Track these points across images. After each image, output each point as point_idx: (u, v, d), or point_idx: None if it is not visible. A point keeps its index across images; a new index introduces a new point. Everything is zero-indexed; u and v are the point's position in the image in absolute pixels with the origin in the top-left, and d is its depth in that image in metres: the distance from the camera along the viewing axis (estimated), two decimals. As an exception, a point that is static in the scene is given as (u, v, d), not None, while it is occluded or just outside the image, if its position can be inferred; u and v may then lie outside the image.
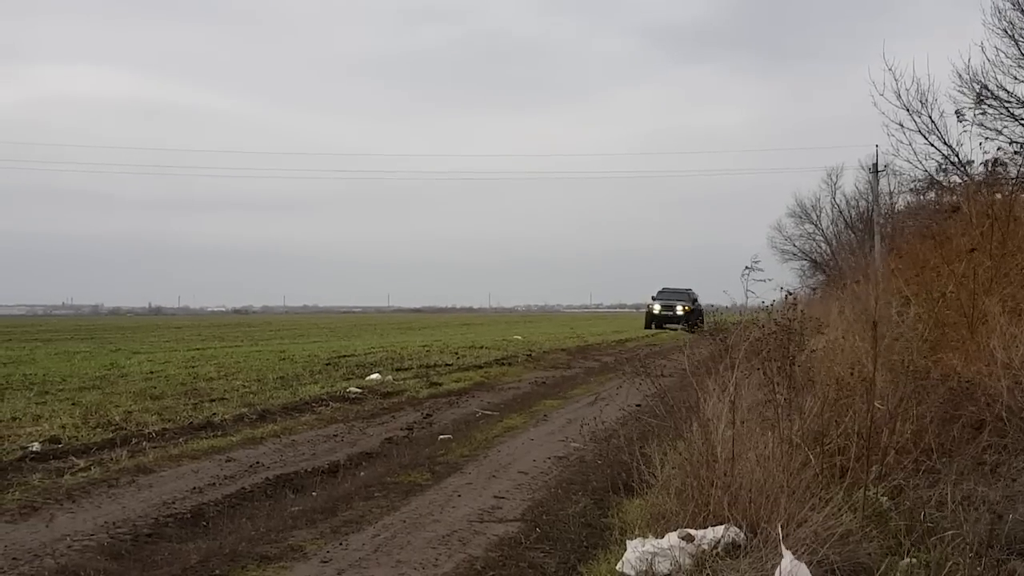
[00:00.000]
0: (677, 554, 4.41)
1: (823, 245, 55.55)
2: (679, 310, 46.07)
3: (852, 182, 55.71)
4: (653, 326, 45.35)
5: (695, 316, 39.01)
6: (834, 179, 52.80)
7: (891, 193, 33.28)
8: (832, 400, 6.24)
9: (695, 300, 46.56)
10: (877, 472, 5.29)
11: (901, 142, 16.51)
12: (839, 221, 53.82)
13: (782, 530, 4.27)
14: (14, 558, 5.23)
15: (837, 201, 53.54)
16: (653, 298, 48.63)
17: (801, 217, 55.89)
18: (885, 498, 5.17)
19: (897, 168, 23.50)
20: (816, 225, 55.91)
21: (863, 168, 44.50)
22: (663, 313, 46.77)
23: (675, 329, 40.77)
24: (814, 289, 39.76)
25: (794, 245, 56.86)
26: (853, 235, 48.92)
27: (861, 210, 48.35)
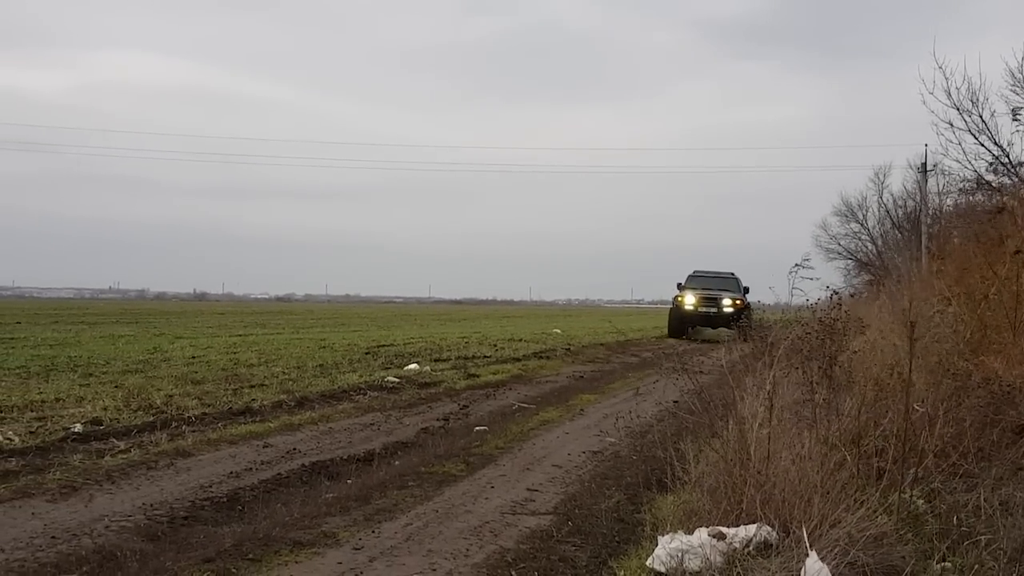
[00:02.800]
0: (708, 551, 4.39)
1: (869, 245, 54.91)
2: (726, 305, 29.80)
3: (900, 181, 55.04)
4: (688, 330, 28.57)
5: (745, 313, 22.56)
6: (881, 178, 52.11)
7: (939, 193, 32.86)
8: (871, 401, 6.18)
9: (746, 290, 31.20)
10: (914, 475, 5.22)
11: (950, 141, 16.29)
12: (885, 221, 53.16)
13: (815, 531, 4.24)
14: (53, 537, 5.32)
15: (884, 200, 52.86)
16: (682, 287, 31.89)
17: (847, 216, 55.24)
18: (921, 501, 5.12)
19: (946, 168, 23.19)
20: (862, 224, 55.24)
21: (911, 167, 43.89)
22: (700, 311, 30.41)
23: (717, 337, 26.08)
24: (858, 289, 39.26)
25: (839, 244, 56.22)
26: (900, 235, 48.30)
27: (908, 210, 47.71)
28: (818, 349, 5.99)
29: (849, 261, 55.81)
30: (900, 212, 50.30)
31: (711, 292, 31.20)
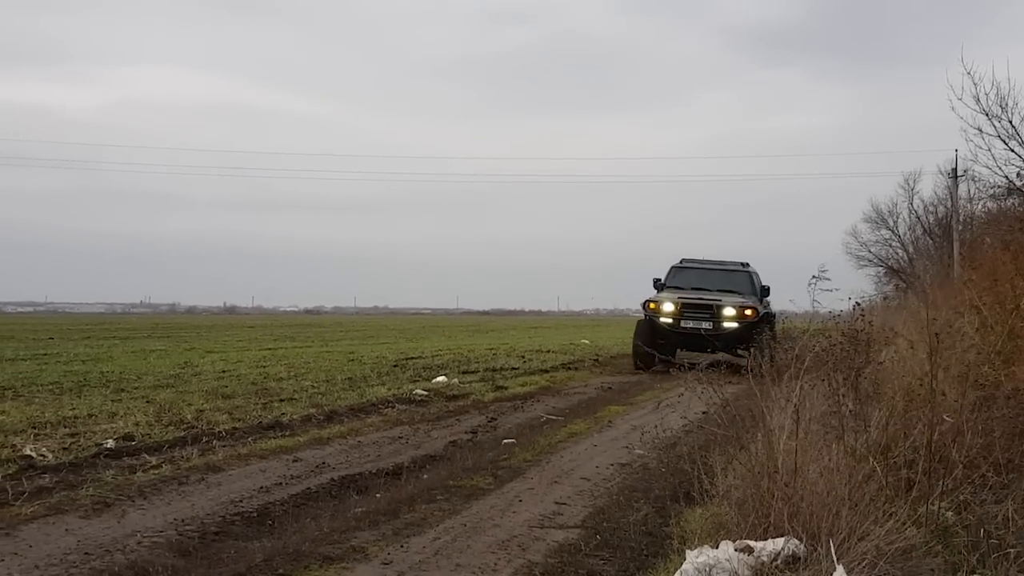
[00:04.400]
0: (736, 565, 4.39)
1: (900, 251, 54.56)
2: (728, 316, 19.74)
3: (931, 187, 54.51)
4: (669, 356, 19.64)
5: (761, 329, 16.75)
6: (912, 184, 51.79)
7: (971, 199, 32.62)
8: (899, 412, 6.15)
9: (766, 292, 20.92)
10: (943, 487, 5.19)
11: (980, 147, 16.17)
12: (916, 227, 52.82)
13: (843, 543, 4.23)
14: (86, 552, 5.39)
15: (915, 207, 52.54)
16: (660, 285, 21.21)
17: (877, 223, 54.93)
18: (950, 513, 5.09)
19: (976, 174, 23.04)
20: (893, 231, 54.91)
21: (941, 173, 43.62)
22: (684, 326, 19.83)
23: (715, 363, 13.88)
24: (889, 297, 38.96)
25: (869, 251, 55.89)
26: (931, 241, 47.95)
27: (939, 216, 47.36)
28: (843, 361, 5.97)
29: (880, 268, 55.49)
30: (931, 218, 49.97)
31: (704, 295, 20.12)
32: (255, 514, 6.41)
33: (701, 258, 22.24)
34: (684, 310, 19.94)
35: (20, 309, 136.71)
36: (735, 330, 19.23)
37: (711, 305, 19.89)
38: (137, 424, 9.88)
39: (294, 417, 10.79)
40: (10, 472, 7.39)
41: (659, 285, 21.26)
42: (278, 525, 6.18)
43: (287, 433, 9.84)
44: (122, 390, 13.60)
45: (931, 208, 49.79)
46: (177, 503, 6.71)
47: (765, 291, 21.01)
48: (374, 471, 7.98)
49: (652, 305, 20.33)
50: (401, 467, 8.20)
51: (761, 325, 18.08)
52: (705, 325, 19.39)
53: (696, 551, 4.54)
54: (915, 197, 52.22)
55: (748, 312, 19.70)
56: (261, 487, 7.28)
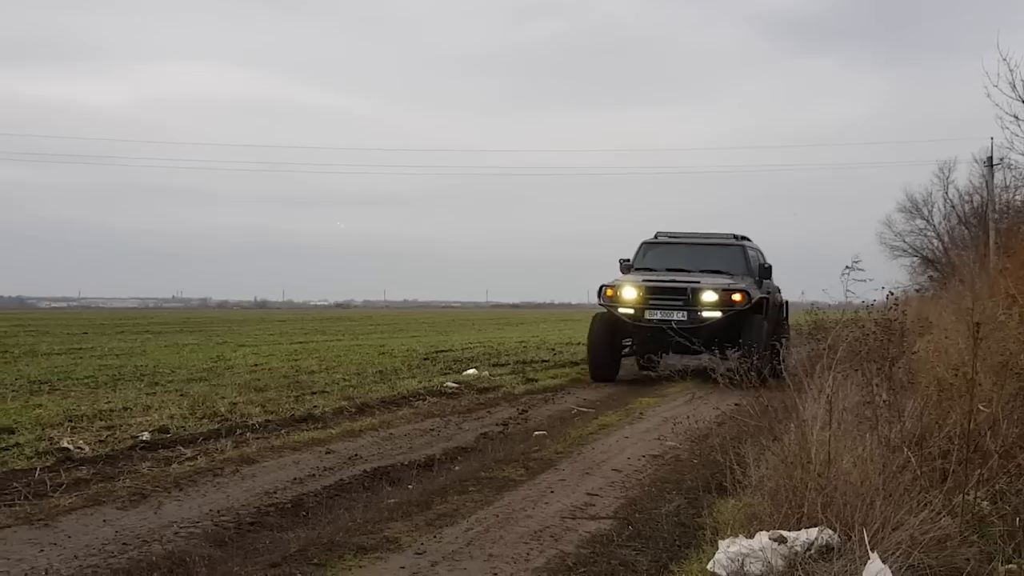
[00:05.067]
0: (769, 555, 4.38)
1: (935, 241, 54.06)
2: (709, 303, 15.12)
3: (966, 176, 54.02)
4: (637, 360, 17.29)
5: (756, 321, 15.09)
6: (946, 173, 51.32)
7: (1006, 188, 32.25)
8: (934, 402, 6.10)
9: (766, 273, 16.59)
10: (978, 476, 5.15)
11: (1016, 135, 15.91)
12: (951, 216, 52.33)
13: (877, 533, 4.21)
14: (124, 543, 5.46)
15: (950, 196, 52.07)
16: (630, 268, 16.80)
17: (912, 212, 54.49)
18: (986, 503, 5.05)
19: (1012, 162, 22.75)
20: (928, 220, 54.41)
21: (976, 162, 43.17)
22: (651, 318, 15.21)
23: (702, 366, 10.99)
24: (924, 287, 38.60)
25: (904, 241, 55.47)
26: (967, 231, 47.46)
27: (975, 205, 46.88)
28: (877, 351, 5.93)
29: (914, 258, 55.02)
30: (967, 207, 49.52)
31: (679, 278, 15.62)
32: (289, 505, 6.46)
33: (681, 231, 17.55)
34: (650, 296, 15.19)
35: (54, 304, 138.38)
36: (718, 322, 14.74)
37: (685, 289, 15.03)
38: (171, 417, 9.97)
39: (326, 410, 10.86)
40: (48, 464, 7.49)
41: (626, 266, 16.69)
42: (312, 516, 6.23)
43: (319, 425, 9.91)
44: (156, 383, 13.74)
45: (966, 197, 49.40)
46: (212, 494, 6.77)
47: (765, 271, 16.37)
48: (406, 463, 8.01)
49: (609, 292, 15.58)
50: (433, 459, 8.23)
51: (756, 315, 15.11)
52: (678, 316, 14.85)
53: (729, 541, 4.54)
54: (950, 186, 51.82)
55: (736, 297, 15.00)
56: (295, 478, 7.33)
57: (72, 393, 12.39)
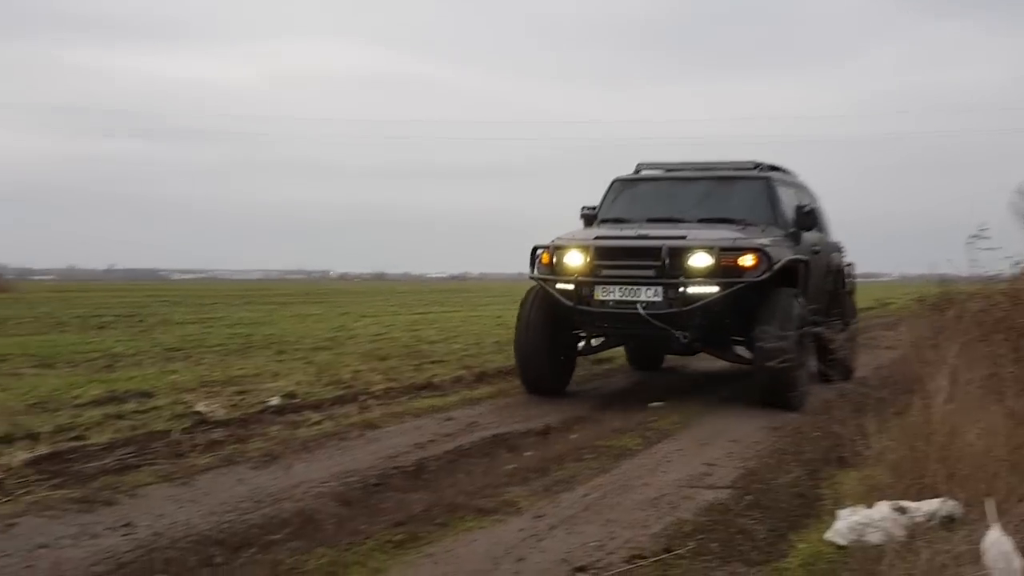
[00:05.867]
0: (889, 525, 4.35)
1: (1070, 211, 51.60)
2: (697, 277, 9.16)
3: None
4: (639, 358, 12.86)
5: (781, 298, 9.31)
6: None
7: None
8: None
9: (805, 221, 10.43)
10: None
11: None
12: (1092, 184, 49.85)
13: (1001, 505, 4.14)
14: (257, 500, 5.73)
15: (1088, 163, 49.48)
16: (593, 219, 11.09)
17: (1047, 181, 52.06)
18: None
19: None
20: (1063, 189, 51.91)
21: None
22: (604, 299, 9.46)
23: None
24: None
25: (1037, 211, 53.03)
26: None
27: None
28: (1004, 321, 5.77)
29: (1048, 229, 52.63)
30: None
31: (651, 232, 9.99)
32: (412, 468, 6.66)
33: (672, 162, 11.72)
34: (602, 264, 9.66)
35: (184, 276, 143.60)
36: (715, 301, 9.22)
37: (657, 249, 9.37)
38: (298, 383, 10.33)
39: (445, 378, 11.10)
40: (185, 427, 7.88)
41: (588, 215, 11.22)
42: (433, 479, 6.41)
43: (439, 393, 10.15)
44: (283, 352, 14.22)
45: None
46: (338, 457, 7.03)
47: (805, 219, 10.51)
48: (523, 431, 8.15)
49: (545, 257, 10.09)
50: (549, 427, 8.35)
51: (783, 289, 9.49)
52: (647, 295, 9.34)
53: (848, 510, 4.53)
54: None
55: (746, 260, 9.31)
56: (416, 443, 7.54)
57: (204, 360, 12.94)
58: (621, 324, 9.69)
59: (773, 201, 10.60)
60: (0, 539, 4.89)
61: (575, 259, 9.79)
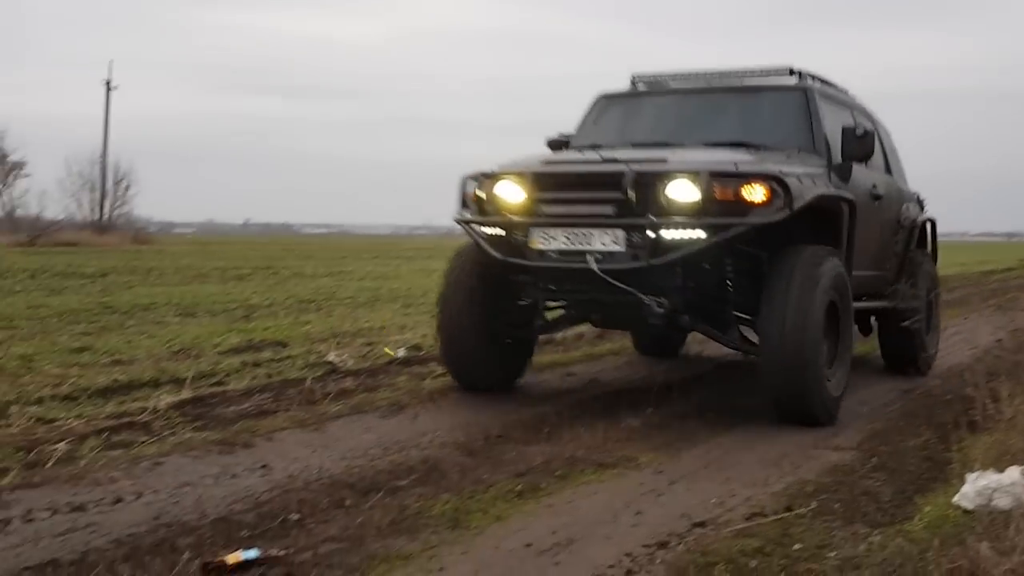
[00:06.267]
0: (1019, 490, 4.24)
1: None
2: (678, 216, 6.22)
3: None
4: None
5: (841, 258, 6.82)
6: None
7: None
8: None
9: (857, 142, 7.06)
10: None
11: None
12: None
13: None
14: (385, 448, 5.94)
15: None
16: (564, 145, 8.25)
17: None
18: None
19: None
20: None
21: None
22: (556, 251, 6.56)
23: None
24: None
25: None
26: None
27: None
28: None
29: None
30: None
31: (619, 154, 6.70)
32: (532, 421, 6.76)
33: (677, 71, 8.42)
34: (543, 198, 6.81)
35: (315, 230, 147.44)
36: (700, 252, 6.40)
37: (618, 176, 6.38)
38: (424, 336, 10.55)
39: (567, 335, 11.15)
40: (317, 375, 8.18)
41: (558, 143, 8.51)
42: (554, 432, 6.49)
43: (561, 349, 10.24)
44: (409, 305, 14.52)
45: None
46: (462, 409, 7.21)
47: (856, 144, 7.22)
48: (643, 388, 8.16)
49: (475, 193, 7.39)
50: (671, 385, 8.34)
51: (808, 245, 6.61)
52: (602, 243, 6.48)
53: (977, 474, 4.42)
54: None
55: (753, 193, 6.24)
56: (538, 397, 7.65)
57: (335, 312, 13.35)
58: (568, 285, 7.00)
59: (811, 121, 7.47)
60: (149, 476, 5.20)
61: (509, 193, 6.91)
